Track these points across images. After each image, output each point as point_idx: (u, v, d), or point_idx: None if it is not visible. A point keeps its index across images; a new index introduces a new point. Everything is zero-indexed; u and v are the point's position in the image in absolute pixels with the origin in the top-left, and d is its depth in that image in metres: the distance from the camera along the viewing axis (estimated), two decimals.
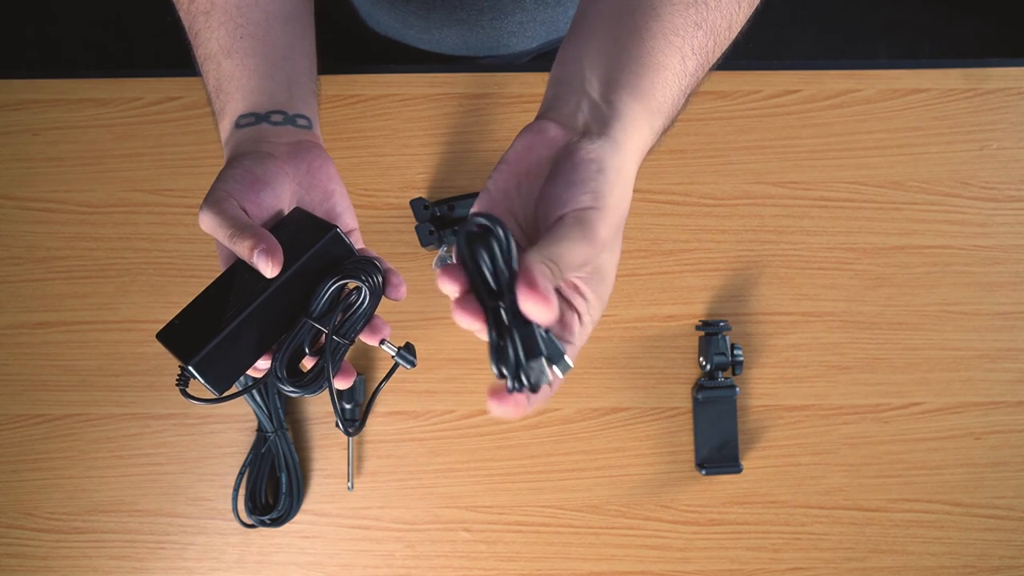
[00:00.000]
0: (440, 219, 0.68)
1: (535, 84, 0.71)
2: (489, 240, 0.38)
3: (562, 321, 0.42)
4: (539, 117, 0.45)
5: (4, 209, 0.69)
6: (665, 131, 0.46)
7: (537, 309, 0.36)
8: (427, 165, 0.70)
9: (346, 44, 0.83)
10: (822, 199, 0.71)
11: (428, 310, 0.69)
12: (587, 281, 0.42)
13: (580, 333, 0.43)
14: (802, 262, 0.70)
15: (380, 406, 0.68)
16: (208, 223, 0.48)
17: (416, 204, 0.67)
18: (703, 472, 0.67)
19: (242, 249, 0.46)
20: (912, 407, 0.69)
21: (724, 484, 0.68)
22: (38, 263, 0.69)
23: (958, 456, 0.68)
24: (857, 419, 0.69)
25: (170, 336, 0.47)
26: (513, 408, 0.40)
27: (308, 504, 0.67)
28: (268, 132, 0.52)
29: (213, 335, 0.45)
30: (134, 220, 0.69)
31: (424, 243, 0.68)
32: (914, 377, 0.69)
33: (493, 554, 0.67)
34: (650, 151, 0.46)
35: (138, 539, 0.67)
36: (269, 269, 0.46)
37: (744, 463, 0.67)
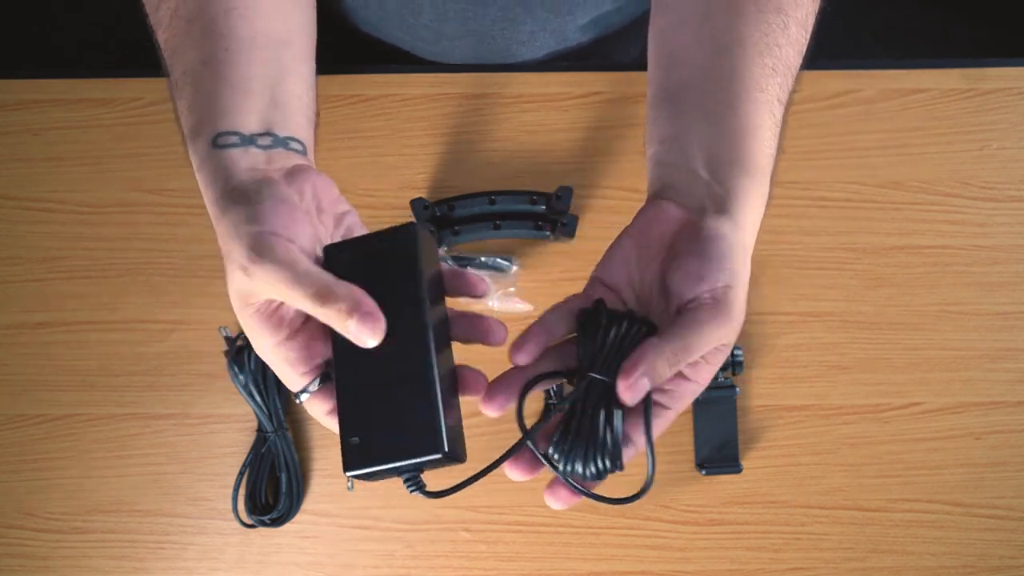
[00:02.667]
0: (440, 219, 0.68)
1: (535, 84, 0.71)
2: (620, 320, 0.41)
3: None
4: (653, 198, 0.46)
5: (4, 209, 0.69)
6: (772, 179, 0.47)
7: (630, 395, 0.40)
8: (427, 165, 0.70)
9: (352, 47, 0.83)
10: (821, 199, 0.71)
11: None
12: (713, 355, 0.42)
13: (683, 398, 0.43)
14: (801, 262, 0.70)
15: None
16: (269, 280, 0.38)
17: (416, 204, 0.67)
18: (703, 472, 0.67)
19: (333, 315, 0.37)
20: (912, 407, 0.69)
21: (724, 484, 0.68)
22: (38, 263, 0.69)
23: (958, 456, 0.68)
24: (857, 419, 0.69)
25: (365, 458, 0.39)
26: (562, 502, 0.45)
27: (308, 504, 0.67)
28: (256, 157, 0.43)
29: (431, 415, 0.38)
30: (134, 220, 0.69)
31: None
32: (914, 377, 0.69)
33: (493, 554, 0.67)
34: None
35: (138, 539, 0.67)
36: (371, 338, 0.38)
37: (744, 463, 0.67)
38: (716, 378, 0.66)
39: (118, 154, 0.70)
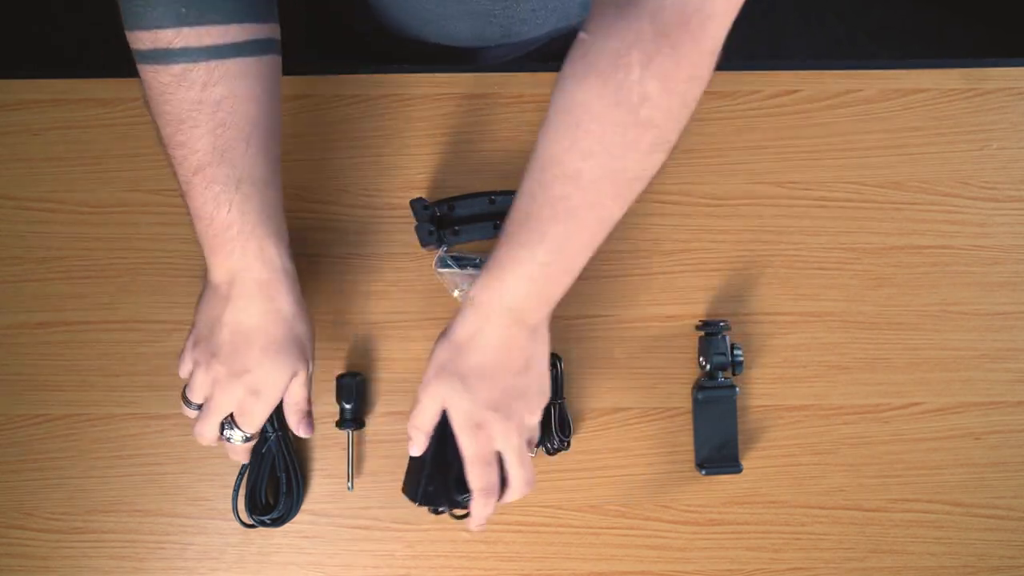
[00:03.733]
0: (440, 219, 0.68)
1: (535, 84, 0.71)
2: None
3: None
4: None
5: (4, 209, 0.69)
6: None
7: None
8: (427, 165, 0.70)
9: (350, 44, 0.83)
10: (822, 199, 0.71)
11: (428, 310, 0.69)
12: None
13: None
14: (802, 262, 0.70)
15: (380, 406, 0.68)
16: (305, 373, 0.59)
17: (416, 204, 0.67)
18: (703, 472, 0.67)
19: (297, 411, 0.61)
20: (912, 407, 0.69)
21: (724, 484, 0.68)
22: (38, 263, 0.69)
23: (958, 456, 0.68)
24: (857, 419, 0.69)
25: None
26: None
27: (308, 504, 0.67)
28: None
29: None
30: (134, 220, 0.69)
31: (424, 243, 0.68)
32: (914, 377, 0.69)
33: (493, 554, 0.67)
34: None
35: (138, 539, 0.67)
36: (304, 433, 0.62)
37: (744, 463, 0.67)
38: (716, 378, 0.67)
39: (118, 154, 0.70)
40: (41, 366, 0.68)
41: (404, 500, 0.59)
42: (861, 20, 1.59)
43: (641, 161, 0.51)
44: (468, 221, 0.68)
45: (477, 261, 0.68)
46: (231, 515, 0.66)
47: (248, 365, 0.56)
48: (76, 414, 0.68)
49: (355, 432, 0.67)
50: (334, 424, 0.67)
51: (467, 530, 0.59)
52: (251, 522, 0.65)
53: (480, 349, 0.54)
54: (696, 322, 0.69)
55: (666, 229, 0.70)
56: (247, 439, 0.60)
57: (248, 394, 0.56)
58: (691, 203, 0.70)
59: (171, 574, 0.67)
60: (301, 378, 0.59)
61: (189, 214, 0.55)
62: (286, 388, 0.58)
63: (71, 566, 0.67)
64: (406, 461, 0.59)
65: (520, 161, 0.70)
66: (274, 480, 0.66)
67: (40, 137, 0.70)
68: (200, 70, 0.50)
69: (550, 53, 0.81)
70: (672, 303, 0.69)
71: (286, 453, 0.66)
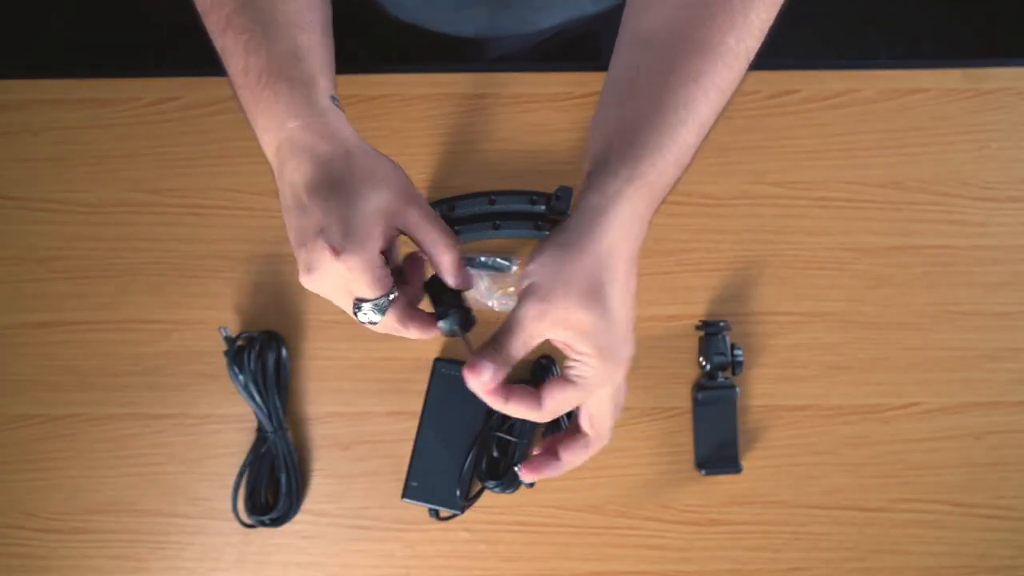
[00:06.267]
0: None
1: (535, 84, 0.71)
2: None
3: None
4: None
5: (4, 209, 0.69)
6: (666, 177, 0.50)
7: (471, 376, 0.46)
8: (427, 165, 0.70)
9: (361, 36, 0.82)
10: (822, 199, 0.71)
11: (428, 310, 0.69)
12: (569, 345, 0.47)
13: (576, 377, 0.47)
14: (802, 262, 0.70)
15: (380, 406, 0.68)
16: (420, 210, 0.48)
17: None
18: (703, 472, 0.67)
19: (451, 260, 0.49)
20: (912, 407, 0.69)
21: (724, 484, 0.68)
22: (38, 263, 0.69)
23: (958, 456, 0.68)
24: (857, 419, 0.69)
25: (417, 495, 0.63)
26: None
27: (308, 504, 0.67)
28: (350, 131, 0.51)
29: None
30: (134, 220, 0.69)
31: None
32: (914, 377, 0.69)
33: (493, 554, 0.67)
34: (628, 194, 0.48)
35: (138, 539, 0.67)
36: (457, 283, 0.50)
37: (744, 463, 0.67)
38: (716, 378, 0.67)
39: (118, 154, 0.70)
40: (41, 366, 0.68)
41: (404, 501, 0.59)
42: (870, 15, 1.59)
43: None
44: (468, 221, 0.68)
45: (477, 261, 0.68)
46: (231, 515, 0.66)
47: (320, 221, 0.46)
48: (76, 414, 0.68)
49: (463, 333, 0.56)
50: (334, 423, 0.67)
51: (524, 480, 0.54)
52: (251, 522, 0.65)
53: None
54: (696, 322, 0.69)
55: (666, 229, 0.70)
56: (380, 307, 0.48)
57: (336, 255, 0.45)
58: (691, 203, 0.70)
59: (171, 574, 0.67)
60: (404, 214, 0.48)
61: (236, 96, 0.51)
62: (382, 231, 0.47)
63: (71, 566, 0.67)
64: (406, 460, 0.59)
65: (520, 161, 0.71)
66: (274, 480, 0.66)
67: (40, 137, 0.70)
68: None
69: (553, 48, 0.81)
70: (672, 303, 0.69)
71: (286, 453, 0.66)
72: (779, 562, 0.67)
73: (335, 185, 0.46)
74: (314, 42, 0.51)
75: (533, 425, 0.66)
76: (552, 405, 0.47)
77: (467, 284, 0.50)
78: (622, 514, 0.68)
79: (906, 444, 0.68)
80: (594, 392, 0.48)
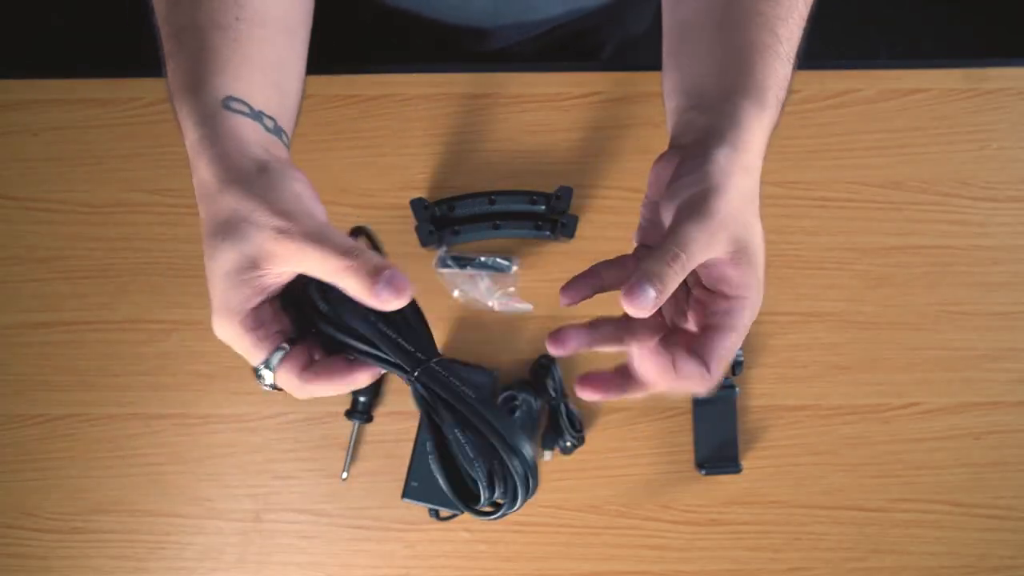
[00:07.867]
0: (440, 219, 0.69)
1: (535, 84, 0.71)
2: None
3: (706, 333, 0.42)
4: (670, 147, 0.47)
5: (4, 209, 0.70)
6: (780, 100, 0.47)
7: (633, 309, 0.38)
8: (427, 165, 0.70)
9: (361, 27, 0.81)
10: (822, 199, 0.71)
11: (428, 310, 0.69)
12: (734, 264, 0.41)
13: (732, 314, 0.41)
14: (802, 262, 0.70)
15: (380, 406, 0.68)
16: (300, 242, 0.37)
17: (416, 204, 0.67)
18: (703, 472, 0.67)
19: (359, 281, 0.37)
20: (912, 407, 0.69)
21: (724, 484, 0.68)
22: (38, 263, 0.69)
23: (958, 456, 0.68)
24: (857, 419, 0.69)
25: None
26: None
27: (308, 504, 0.67)
28: (261, 136, 0.42)
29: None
30: (134, 220, 0.69)
31: (424, 243, 0.68)
32: (914, 377, 0.69)
33: (493, 554, 0.67)
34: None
35: (138, 539, 0.67)
36: (397, 299, 0.38)
37: (744, 463, 0.67)
38: None
39: (118, 154, 0.70)
40: (41, 366, 0.68)
41: (404, 501, 0.59)
42: (870, 15, 1.59)
43: None
44: (468, 221, 0.68)
45: (477, 261, 0.68)
46: (231, 515, 0.66)
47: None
48: (76, 414, 0.68)
49: (361, 425, 0.67)
50: (343, 413, 0.67)
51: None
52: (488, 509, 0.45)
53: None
54: None
55: None
56: (270, 367, 0.41)
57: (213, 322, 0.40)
58: None
59: (171, 574, 0.67)
60: (273, 257, 0.38)
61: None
62: (242, 293, 0.39)
63: (71, 566, 0.67)
64: (406, 460, 0.59)
65: (520, 161, 0.71)
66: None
67: (40, 137, 0.70)
68: None
69: (553, 42, 0.80)
70: None
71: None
72: (779, 562, 0.67)
73: (205, 238, 0.40)
74: (226, 40, 0.43)
75: (533, 425, 0.66)
76: (720, 367, 0.41)
77: (398, 297, 0.39)
78: (622, 514, 0.68)
79: (906, 444, 0.68)
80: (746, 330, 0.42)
